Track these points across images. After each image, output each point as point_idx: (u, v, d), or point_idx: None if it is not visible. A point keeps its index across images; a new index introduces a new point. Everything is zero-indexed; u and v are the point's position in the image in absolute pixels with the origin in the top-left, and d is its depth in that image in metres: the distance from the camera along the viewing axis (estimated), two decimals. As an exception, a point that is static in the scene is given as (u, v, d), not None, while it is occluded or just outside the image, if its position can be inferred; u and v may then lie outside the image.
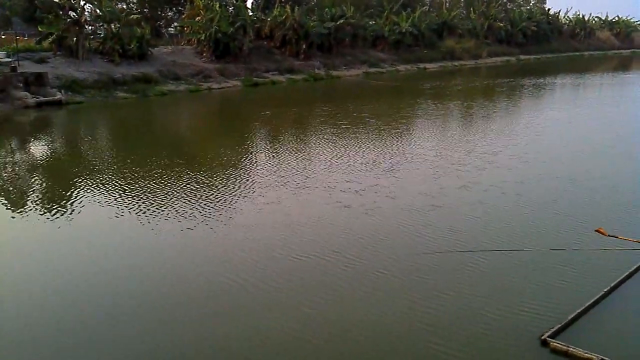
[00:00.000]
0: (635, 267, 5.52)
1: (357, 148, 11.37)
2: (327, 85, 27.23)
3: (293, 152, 11.09)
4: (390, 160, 10.18)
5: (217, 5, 27.10)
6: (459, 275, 5.52)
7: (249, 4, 32.88)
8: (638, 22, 68.62)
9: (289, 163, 10.07)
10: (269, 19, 30.45)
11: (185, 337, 4.58)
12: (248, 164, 10.27)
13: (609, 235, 4.73)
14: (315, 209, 7.43)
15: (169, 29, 35.67)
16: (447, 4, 49.75)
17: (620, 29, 63.09)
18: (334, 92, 24.97)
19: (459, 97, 21.56)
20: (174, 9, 35.04)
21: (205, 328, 4.69)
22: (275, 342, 4.52)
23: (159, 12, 34.60)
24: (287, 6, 31.76)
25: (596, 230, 4.77)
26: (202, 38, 26.44)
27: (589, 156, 10.88)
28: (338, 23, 32.32)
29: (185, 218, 7.17)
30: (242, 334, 4.61)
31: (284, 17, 30.32)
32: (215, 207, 7.61)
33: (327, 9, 34.07)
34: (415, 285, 5.37)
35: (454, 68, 36.97)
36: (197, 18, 27.27)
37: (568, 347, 4.22)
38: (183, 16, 29.91)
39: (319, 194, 8.10)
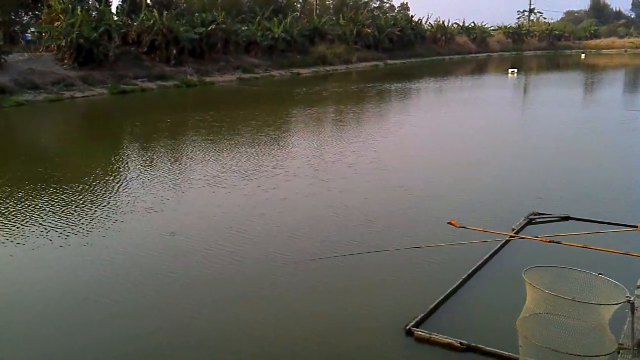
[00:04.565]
0: (487, 255, 5.97)
1: (217, 160, 11.15)
2: (200, 91, 26.72)
3: (154, 167, 10.66)
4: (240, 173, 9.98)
5: (79, 10, 25.65)
6: (323, 280, 5.63)
7: (113, 9, 31.55)
8: (492, 28, 74.71)
9: (145, 179, 9.63)
10: (135, 24, 29.34)
11: None
12: (105, 181, 9.68)
13: (459, 227, 5.11)
14: (142, 239, 6.85)
15: (26, 34, 33.16)
16: (318, 11, 50.94)
17: (476, 35, 68.11)
18: (208, 99, 24.58)
19: (329, 103, 22.13)
20: (30, 13, 32.65)
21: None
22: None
23: (13, 17, 32.04)
24: (155, 10, 30.81)
25: (448, 223, 5.14)
26: (63, 44, 24.85)
27: (441, 159, 11.54)
28: (209, 28, 31.87)
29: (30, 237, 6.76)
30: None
31: (151, 21, 29.36)
32: (59, 225, 7.20)
33: (197, 14, 33.50)
34: (281, 292, 5.40)
35: (326, 73, 37.85)
36: (57, 23, 25.60)
37: (430, 334, 4.45)
38: (40, 21, 27.91)
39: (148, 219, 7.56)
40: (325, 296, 5.28)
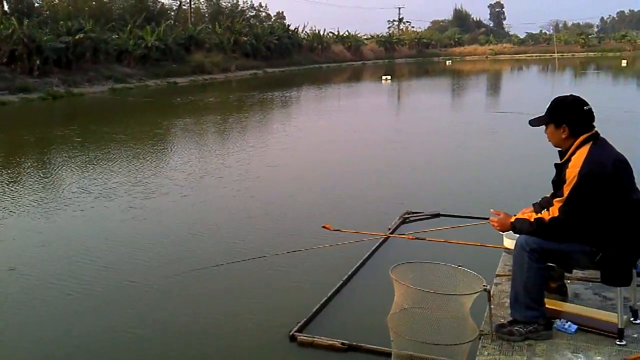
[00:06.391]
0: (365, 256, 6.15)
1: (71, 179, 10.34)
2: (67, 103, 25.29)
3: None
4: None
5: None
6: (199, 292, 5.49)
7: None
8: (365, 37, 77.68)
9: None
10: (-9, 32, 27.19)
11: None
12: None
13: (334, 230, 5.25)
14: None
15: None
16: (192, 19, 50.09)
17: (351, 43, 70.47)
18: (75, 112, 23.34)
19: (205, 113, 21.77)
20: None
21: None
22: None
23: None
24: (14, 18, 28.72)
25: (323, 226, 5.27)
26: None
27: (315, 167, 11.88)
28: (76, 37, 30.24)
29: None
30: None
31: (10, 30, 27.32)
32: None
33: (62, 22, 31.68)
34: (167, 303, 5.23)
35: (204, 82, 37.30)
36: None
37: (313, 338, 4.49)
38: None
39: None
40: (203, 308, 5.16)
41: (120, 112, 22.38)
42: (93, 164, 11.74)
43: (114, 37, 35.05)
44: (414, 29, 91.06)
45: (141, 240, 6.95)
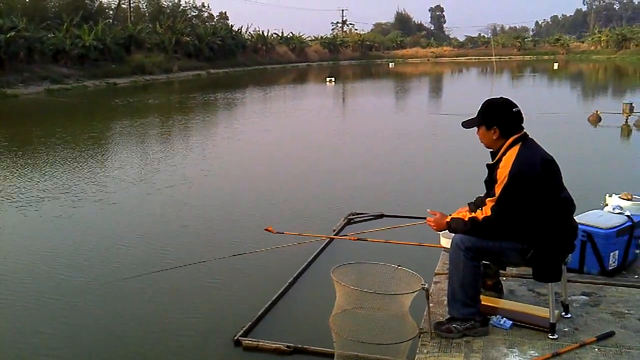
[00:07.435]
0: (310, 258, 6.17)
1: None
2: (0, 106, 24.25)
3: None
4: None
5: None
6: (139, 299, 5.39)
7: None
8: (309, 38, 77.91)
9: None
10: None
11: None
12: None
13: (276, 233, 5.25)
14: None
15: None
16: (132, 18, 48.96)
17: (295, 45, 70.57)
18: (7, 114, 22.41)
19: (145, 115, 21.31)
20: None
21: None
22: None
23: None
24: (-60, 16, 27.36)
25: (266, 229, 5.27)
26: None
27: (256, 171, 11.73)
28: (8, 36, 29.05)
29: None
30: None
31: (-64, 28, 26.03)
32: None
33: (-7, 20, 30.40)
34: (101, 312, 5.11)
35: (146, 82, 36.55)
36: None
37: (258, 342, 4.48)
38: None
39: None
40: (143, 316, 5.05)
41: (55, 115, 21.64)
42: (19, 170, 11.14)
43: (49, 36, 33.87)
44: (357, 32, 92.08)
45: (66, 252, 6.58)
